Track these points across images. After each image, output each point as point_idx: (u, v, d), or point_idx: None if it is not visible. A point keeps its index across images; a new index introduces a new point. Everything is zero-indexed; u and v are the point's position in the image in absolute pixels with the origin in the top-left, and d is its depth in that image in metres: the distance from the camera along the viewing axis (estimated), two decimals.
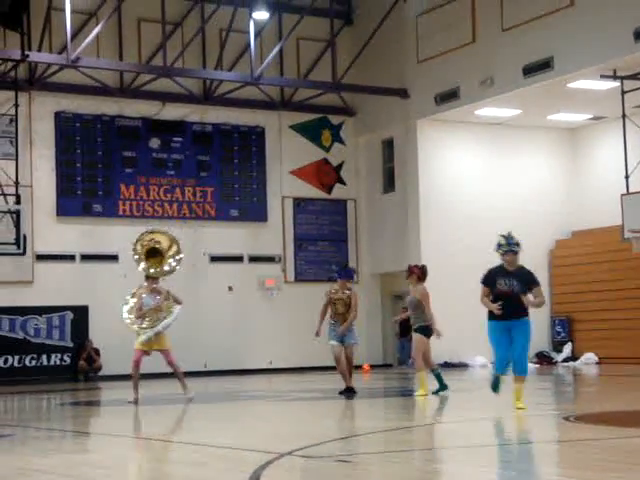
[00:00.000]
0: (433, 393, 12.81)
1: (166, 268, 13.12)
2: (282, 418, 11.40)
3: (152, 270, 12.99)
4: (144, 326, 12.92)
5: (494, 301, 10.44)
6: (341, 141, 24.06)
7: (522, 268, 10.74)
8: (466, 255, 22.36)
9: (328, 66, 21.89)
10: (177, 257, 13.25)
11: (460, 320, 22.07)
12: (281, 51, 22.14)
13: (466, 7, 20.86)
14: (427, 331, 12.81)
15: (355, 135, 24.08)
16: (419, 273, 13.11)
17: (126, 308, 13.12)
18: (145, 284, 13.15)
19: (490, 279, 10.74)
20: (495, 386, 10.60)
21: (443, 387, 13.02)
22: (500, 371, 10.53)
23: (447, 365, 21.55)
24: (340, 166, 24.02)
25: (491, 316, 10.54)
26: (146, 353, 13.14)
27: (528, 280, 10.53)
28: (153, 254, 13.18)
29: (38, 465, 7.73)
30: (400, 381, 18.62)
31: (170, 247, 13.26)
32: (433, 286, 21.95)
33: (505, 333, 10.36)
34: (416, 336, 12.95)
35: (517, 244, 10.90)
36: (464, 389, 15.35)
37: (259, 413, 11.93)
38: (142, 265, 13.06)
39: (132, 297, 13.17)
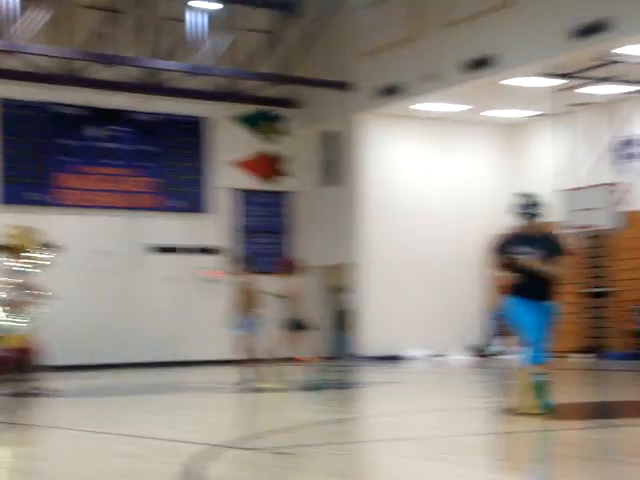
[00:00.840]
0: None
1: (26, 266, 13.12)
2: (220, 410, 11.45)
3: (16, 268, 12.99)
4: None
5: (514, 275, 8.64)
6: (284, 133, 24.11)
7: (547, 233, 8.89)
8: (405, 248, 22.63)
9: (272, 58, 21.89)
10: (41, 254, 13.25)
11: (398, 312, 22.34)
12: (227, 42, 22.09)
13: (407, 2, 21.05)
14: (297, 324, 12.81)
15: (298, 127, 24.14)
16: (291, 266, 13.04)
17: None
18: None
19: (506, 247, 8.73)
20: (540, 389, 8.56)
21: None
22: (538, 360, 8.63)
23: (384, 358, 21.77)
24: (283, 158, 24.07)
25: (518, 292, 8.68)
26: None
27: (554, 248, 8.67)
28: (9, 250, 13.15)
29: None
30: (336, 374, 18.78)
31: (25, 245, 13.23)
32: (373, 279, 22.29)
33: (534, 313, 8.63)
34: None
35: (539, 204, 8.74)
36: (401, 381, 15.56)
37: (197, 405, 11.96)
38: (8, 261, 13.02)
39: None
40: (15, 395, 13.76)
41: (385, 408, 10.80)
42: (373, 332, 22.15)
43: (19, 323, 12.65)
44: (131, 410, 11.36)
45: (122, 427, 9.02)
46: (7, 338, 12.73)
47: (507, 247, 8.71)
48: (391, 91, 21.44)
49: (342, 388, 14.91)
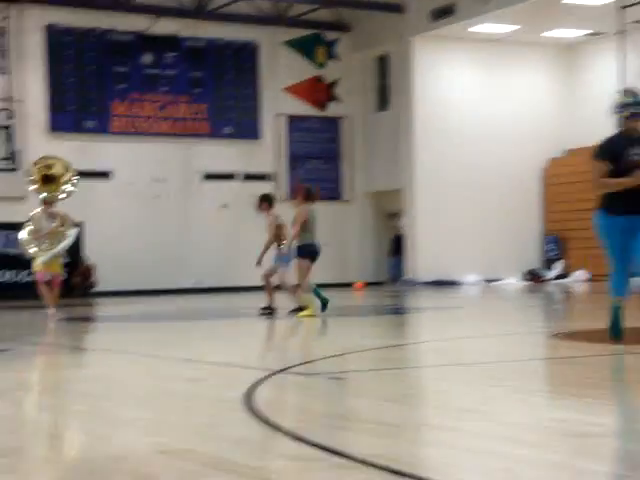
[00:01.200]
0: (322, 310, 12.59)
1: (60, 195, 13.37)
2: (276, 336, 11.56)
3: (46, 194, 13.20)
4: (42, 248, 13.17)
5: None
6: (335, 58, 23.81)
7: None
8: (459, 173, 22.42)
9: None
10: (73, 181, 13.50)
11: (452, 238, 22.24)
12: None
13: None
14: (306, 251, 12.56)
15: (350, 52, 23.82)
16: (304, 194, 12.74)
17: (25, 231, 13.41)
18: (41, 208, 13.37)
19: (610, 151, 7.53)
20: (616, 325, 7.73)
21: (325, 300, 12.69)
22: (620, 293, 7.72)
23: (438, 283, 21.76)
24: (334, 83, 23.82)
25: (611, 209, 7.51)
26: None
27: None
28: (49, 180, 13.44)
29: (36, 379, 7.87)
30: (390, 299, 18.82)
31: (64, 173, 13.47)
32: (425, 204, 22.15)
33: (629, 234, 7.44)
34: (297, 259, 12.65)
35: None
36: (455, 306, 15.55)
37: (254, 331, 12.08)
38: (36, 188, 13.28)
39: (29, 221, 13.43)
40: (73, 319, 14.04)
41: (439, 333, 10.80)
42: (427, 257, 22.10)
43: (56, 251, 13.04)
44: (188, 335, 11.52)
45: (180, 351, 9.15)
46: (52, 264, 13.11)
47: (615, 151, 7.48)
48: (446, 12, 20.99)
49: (396, 313, 14.95)
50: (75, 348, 10.58)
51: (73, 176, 13.73)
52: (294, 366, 7.57)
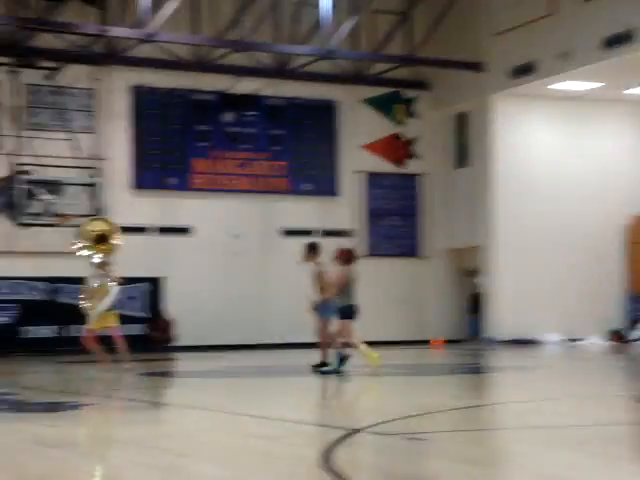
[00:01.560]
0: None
1: (112, 255, 14.04)
2: (353, 393, 11.50)
3: (101, 258, 13.92)
4: (90, 305, 13.80)
5: None
6: (414, 115, 23.93)
7: None
8: (539, 230, 22.16)
9: (402, 39, 21.74)
10: (119, 237, 14.23)
11: (532, 295, 21.92)
12: (355, 24, 22.04)
13: None
14: (348, 312, 12.86)
15: (428, 109, 23.92)
16: (346, 256, 13.09)
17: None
18: (95, 269, 14.01)
19: None
20: None
21: (338, 369, 12.81)
22: None
23: (518, 342, 21.43)
24: (413, 140, 23.91)
25: None
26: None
27: None
28: (101, 240, 14.10)
29: (116, 434, 7.97)
30: (469, 357, 18.59)
31: (111, 231, 14.22)
32: (504, 261, 21.92)
33: None
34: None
35: None
36: (535, 366, 15.27)
37: (330, 388, 12.05)
38: (92, 254, 14.05)
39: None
40: (152, 374, 14.19)
41: (518, 394, 10.62)
42: (507, 315, 21.81)
43: (102, 307, 13.40)
44: (266, 391, 11.54)
45: (255, 408, 9.17)
46: (106, 318, 13.44)
47: None
48: (526, 70, 20.97)
49: (474, 372, 14.75)
50: (154, 404, 10.69)
51: (118, 232, 14.08)
52: (372, 425, 7.53)
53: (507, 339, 21.47)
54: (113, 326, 13.96)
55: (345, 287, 12.80)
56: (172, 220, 21.38)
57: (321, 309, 13.41)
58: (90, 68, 20.22)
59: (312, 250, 13.64)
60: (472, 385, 12.57)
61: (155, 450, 6.77)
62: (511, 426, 7.94)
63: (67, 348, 19.67)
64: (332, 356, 13.04)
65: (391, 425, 7.81)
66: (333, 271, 12.99)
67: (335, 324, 13.01)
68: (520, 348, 20.32)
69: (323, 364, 13.32)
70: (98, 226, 14.32)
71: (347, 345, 13.10)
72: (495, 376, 14.07)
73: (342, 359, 12.93)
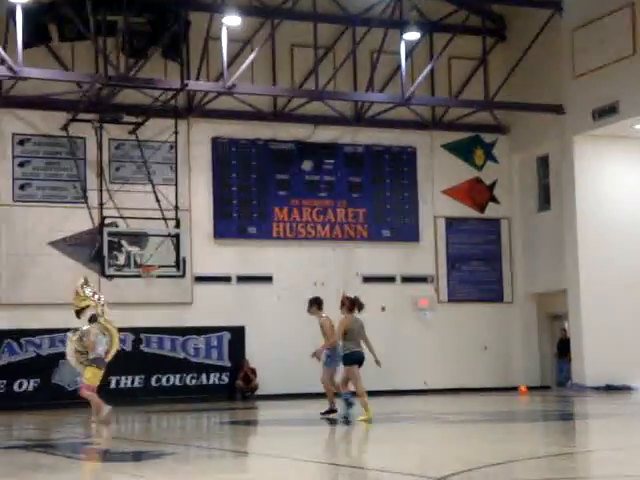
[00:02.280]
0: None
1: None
2: (439, 441, 11.28)
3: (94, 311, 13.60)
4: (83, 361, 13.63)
5: None
6: (494, 159, 23.73)
7: None
8: (626, 273, 21.61)
9: (480, 84, 21.67)
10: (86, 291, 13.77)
11: (621, 340, 21.30)
12: (432, 70, 22.07)
13: (626, 18, 20.22)
14: (351, 358, 13.20)
15: (508, 153, 23.71)
16: (349, 304, 13.42)
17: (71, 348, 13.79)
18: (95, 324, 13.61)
19: None
20: None
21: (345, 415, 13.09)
22: None
23: (609, 388, 20.82)
24: (493, 184, 23.69)
25: None
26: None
27: None
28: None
29: None
30: (559, 404, 18.12)
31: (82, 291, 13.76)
32: (593, 304, 21.39)
33: None
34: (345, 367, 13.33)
35: None
36: (627, 413, 14.78)
37: (416, 435, 11.85)
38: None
39: (82, 337, 13.60)
40: (236, 423, 14.16)
41: (609, 442, 10.26)
42: (596, 360, 21.22)
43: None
44: (351, 439, 11.40)
45: (340, 457, 9.05)
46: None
47: None
48: (608, 111, 20.64)
49: (564, 419, 14.35)
50: (237, 452, 10.64)
51: (85, 286, 13.98)
52: (457, 473, 7.33)
53: (597, 385, 20.88)
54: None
55: (349, 334, 13.16)
56: (253, 269, 21.51)
57: (325, 359, 13.88)
58: (171, 121, 20.62)
59: (314, 304, 14.24)
60: (563, 432, 12.21)
61: None
62: (602, 474, 7.65)
63: (153, 397, 19.85)
64: (339, 404, 13.40)
65: (477, 473, 7.59)
66: (340, 319, 13.39)
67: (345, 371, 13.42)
68: (611, 395, 19.73)
69: (331, 411, 13.78)
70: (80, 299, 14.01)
71: (351, 392, 13.47)
72: (586, 423, 13.66)
73: (349, 405, 13.32)
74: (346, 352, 13.24)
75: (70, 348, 13.77)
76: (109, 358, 13.65)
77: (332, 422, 13.33)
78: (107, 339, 13.50)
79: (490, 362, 23.07)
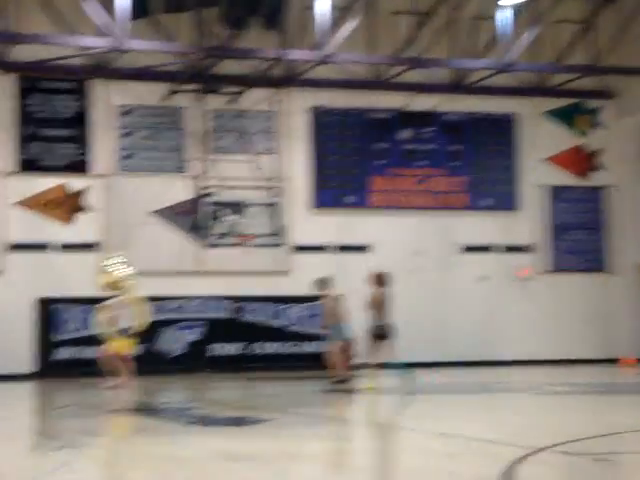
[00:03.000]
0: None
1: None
2: (538, 412, 11.12)
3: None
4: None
5: None
6: (599, 126, 23.08)
7: None
8: None
9: (586, 48, 21.03)
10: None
11: None
12: (536, 36, 21.53)
13: None
14: (380, 332, 13.85)
15: (614, 119, 23.01)
16: (376, 280, 14.14)
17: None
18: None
19: None
20: None
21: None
22: None
23: None
24: (598, 152, 23.06)
25: None
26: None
27: None
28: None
29: (298, 449, 8.01)
30: None
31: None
32: None
33: None
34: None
35: None
36: None
37: (514, 406, 11.71)
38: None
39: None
40: (328, 391, 14.24)
41: None
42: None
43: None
44: (446, 409, 11.34)
45: (438, 426, 9.01)
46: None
47: None
48: None
49: None
50: (334, 419, 10.70)
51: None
52: (558, 444, 7.21)
53: None
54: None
55: (378, 308, 13.74)
56: (351, 238, 21.49)
57: (331, 334, 14.67)
58: (270, 91, 20.68)
59: (321, 284, 14.82)
60: None
61: (336, 467, 6.74)
62: None
63: (252, 365, 20.13)
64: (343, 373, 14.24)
65: (578, 445, 7.46)
66: (369, 293, 14.04)
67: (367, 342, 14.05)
68: None
69: (342, 381, 14.54)
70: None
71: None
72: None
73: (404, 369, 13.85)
74: (376, 325, 13.96)
75: (100, 318, 14.52)
76: (136, 329, 14.23)
77: (347, 391, 13.44)
78: (130, 311, 14.22)
79: (593, 333, 22.60)
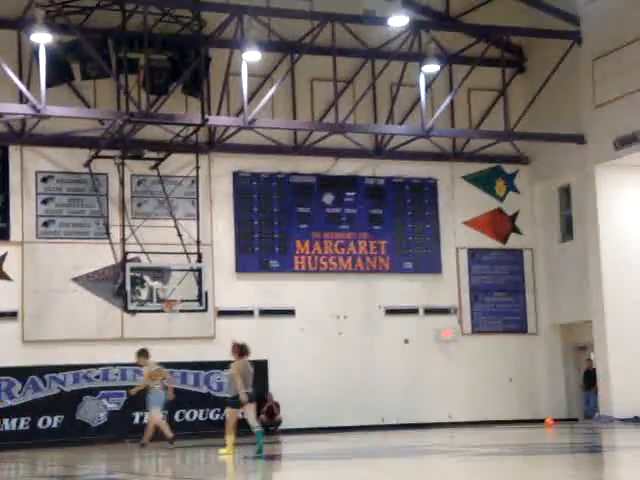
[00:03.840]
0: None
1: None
2: (466, 475, 11.15)
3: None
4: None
5: None
6: (515, 190, 23.68)
7: None
8: None
9: (500, 115, 21.67)
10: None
11: None
12: (452, 102, 22.10)
13: None
14: (234, 402, 14.25)
15: (530, 183, 23.65)
16: (238, 350, 14.47)
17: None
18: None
19: None
20: None
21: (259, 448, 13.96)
22: None
23: (637, 419, 20.56)
24: (515, 215, 23.61)
25: None
26: None
27: None
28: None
29: None
30: (586, 436, 17.89)
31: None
32: (618, 334, 21.16)
33: None
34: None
35: None
36: None
37: (441, 469, 11.72)
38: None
39: None
40: (254, 458, 14.06)
41: (639, 474, 10.09)
42: (623, 392, 20.96)
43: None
44: (370, 473, 11.29)
45: None
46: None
47: None
48: (630, 140, 20.57)
49: (592, 452, 14.15)
50: None
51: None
52: None
53: (625, 417, 20.62)
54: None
55: (242, 376, 14.19)
56: (275, 302, 21.48)
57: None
58: (192, 156, 20.73)
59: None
60: (591, 464, 12.03)
61: None
62: None
63: (175, 433, 19.76)
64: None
65: None
66: (232, 364, 14.50)
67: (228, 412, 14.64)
68: (639, 426, 19.46)
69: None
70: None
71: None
72: (615, 455, 13.47)
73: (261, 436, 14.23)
74: (233, 395, 14.29)
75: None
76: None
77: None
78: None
79: (516, 394, 22.86)
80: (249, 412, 14.25)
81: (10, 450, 17.80)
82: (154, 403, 16.83)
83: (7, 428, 19.04)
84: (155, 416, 16.86)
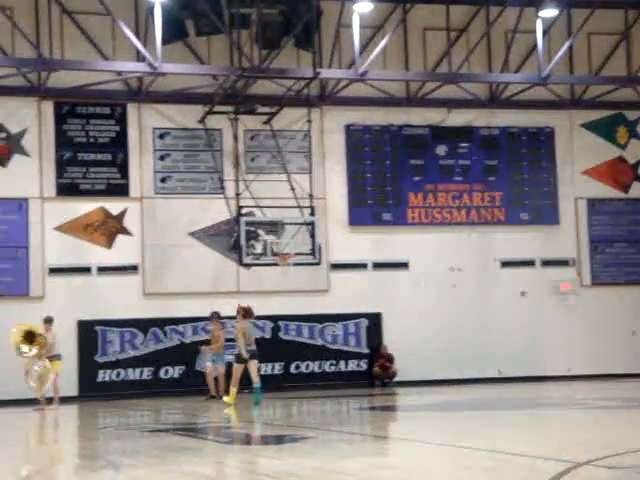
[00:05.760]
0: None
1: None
2: (581, 426, 10.96)
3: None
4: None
5: None
6: (638, 137, 22.85)
7: None
8: None
9: (622, 60, 20.86)
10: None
11: None
12: (571, 48, 21.40)
13: None
14: (238, 358, 15.69)
15: None
16: (243, 313, 15.76)
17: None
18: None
19: None
20: None
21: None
22: None
23: None
24: (638, 163, 22.82)
25: None
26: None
27: None
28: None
29: (336, 466, 7.96)
30: None
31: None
32: None
33: None
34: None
35: None
36: None
37: (556, 421, 11.55)
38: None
39: None
40: (375, 408, 14.17)
41: None
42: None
43: None
44: (486, 425, 11.22)
45: (478, 441, 8.91)
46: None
47: None
48: None
49: None
50: (375, 437, 10.63)
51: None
52: (600, 458, 7.09)
53: None
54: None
55: (245, 337, 15.52)
56: (388, 255, 21.44)
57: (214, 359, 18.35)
58: (304, 110, 20.75)
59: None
60: None
61: None
62: None
63: (292, 384, 20.10)
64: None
65: (622, 458, 7.32)
66: (236, 325, 15.87)
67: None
68: None
69: (212, 397, 18.02)
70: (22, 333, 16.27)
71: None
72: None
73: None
74: (236, 353, 15.81)
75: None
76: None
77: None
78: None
79: (635, 347, 22.28)
80: (252, 367, 15.54)
81: (134, 398, 18.54)
82: (209, 360, 18.54)
83: (131, 377, 19.74)
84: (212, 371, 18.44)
